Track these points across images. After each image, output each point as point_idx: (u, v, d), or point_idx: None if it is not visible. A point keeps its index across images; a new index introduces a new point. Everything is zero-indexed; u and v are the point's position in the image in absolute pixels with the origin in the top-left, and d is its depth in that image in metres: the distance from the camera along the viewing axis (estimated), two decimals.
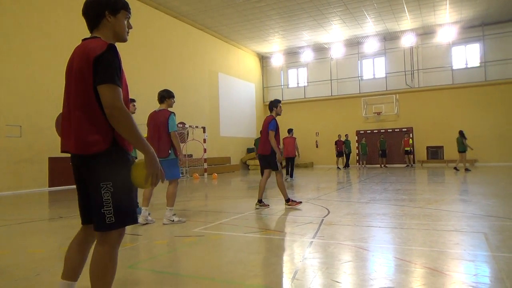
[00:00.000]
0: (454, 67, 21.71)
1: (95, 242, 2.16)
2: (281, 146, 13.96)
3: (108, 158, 2.03)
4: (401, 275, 3.19)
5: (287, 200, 7.04)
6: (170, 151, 5.76)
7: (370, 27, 21.07)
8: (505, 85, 20.07)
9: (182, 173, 17.76)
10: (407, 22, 20.40)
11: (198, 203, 8.53)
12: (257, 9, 18.04)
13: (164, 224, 5.66)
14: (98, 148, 2.00)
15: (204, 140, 17.81)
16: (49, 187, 12.75)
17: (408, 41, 21.98)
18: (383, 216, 6.01)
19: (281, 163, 7.05)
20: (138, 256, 4.15)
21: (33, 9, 12.58)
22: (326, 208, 6.82)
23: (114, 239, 2.08)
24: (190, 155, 18.53)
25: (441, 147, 21.31)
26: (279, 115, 7.16)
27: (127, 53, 16.00)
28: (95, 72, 1.97)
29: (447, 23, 20.59)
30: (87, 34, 2.25)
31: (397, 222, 5.51)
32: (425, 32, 21.77)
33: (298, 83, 26.23)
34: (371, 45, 23.05)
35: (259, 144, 7.21)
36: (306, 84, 25.74)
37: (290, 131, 14.61)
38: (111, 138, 2.03)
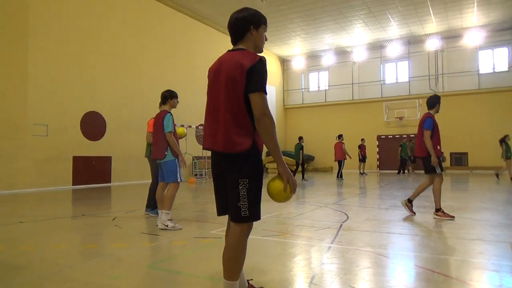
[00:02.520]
0: (481, 72, 21.14)
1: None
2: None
3: (248, 158, 2.29)
4: (422, 283, 3.12)
5: (437, 210, 6.24)
6: (166, 153, 5.51)
7: (393, 30, 20.77)
8: None
9: (199, 175, 17.88)
10: (432, 26, 20.01)
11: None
12: (279, 12, 18.05)
13: (159, 228, 5.39)
14: (242, 148, 2.25)
15: None
16: (72, 185, 13.08)
17: (432, 44, 21.55)
18: (403, 222, 5.89)
19: (441, 167, 6.24)
20: (158, 256, 4.20)
21: (61, 10, 12.97)
22: (345, 213, 6.74)
23: (246, 229, 2.36)
24: (210, 157, 18.62)
25: (466, 154, 20.77)
26: (437, 112, 6.50)
27: (154, 56, 16.30)
28: (248, 81, 2.22)
29: (474, 26, 20.09)
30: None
31: (418, 229, 5.39)
32: (451, 36, 21.29)
33: (319, 87, 26.08)
34: (394, 49, 22.71)
35: (416, 145, 6.47)
36: (327, 87, 25.56)
37: (340, 136, 16.34)
38: (252, 140, 2.28)
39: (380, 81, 23.84)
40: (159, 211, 5.58)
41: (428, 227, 5.45)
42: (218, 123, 2.34)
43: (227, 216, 2.51)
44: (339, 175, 15.97)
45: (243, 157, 2.28)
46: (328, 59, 24.68)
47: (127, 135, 14.85)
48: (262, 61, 2.28)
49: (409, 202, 6.60)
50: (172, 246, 4.54)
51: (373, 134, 23.17)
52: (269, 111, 2.24)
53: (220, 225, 5.70)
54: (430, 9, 17.76)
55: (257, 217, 2.36)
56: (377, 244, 4.52)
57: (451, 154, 21.26)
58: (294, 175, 14.45)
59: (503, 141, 14.91)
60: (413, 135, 22.23)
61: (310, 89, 26.30)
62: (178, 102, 5.93)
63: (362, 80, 24.27)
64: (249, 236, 2.44)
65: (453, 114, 21.21)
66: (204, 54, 19.23)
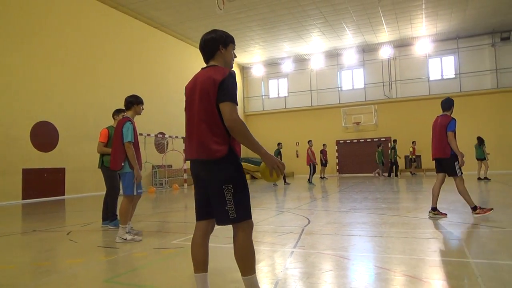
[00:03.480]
0: (431, 78, 22.32)
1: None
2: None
3: (227, 163, 2.46)
4: (381, 283, 3.20)
5: (474, 208, 6.28)
6: (123, 164, 5.21)
7: (349, 39, 21.50)
8: (479, 96, 20.73)
9: (159, 184, 17.49)
10: (385, 35, 20.90)
11: (178, 215, 8.40)
12: (238, 20, 18.17)
13: (116, 242, 5.15)
14: (220, 154, 2.42)
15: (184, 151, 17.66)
16: (22, 199, 12.35)
17: (386, 53, 22.51)
18: (363, 225, 6.04)
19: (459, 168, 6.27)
20: (115, 270, 4.03)
21: (9, 15, 12.31)
22: (307, 218, 6.82)
23: (247, 228, 2.52)
24: (170, 166, 18.31)
25: (419, 157, 21.74)
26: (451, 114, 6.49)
27: (110, 65, 15.83)
28: (219, 93, 2.43)
29: (423, 36, 21.20)
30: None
31: (377, 230, 5.54)
32: (402, 44, 22.34)
33: (278, 94, 26.43)
34: (350, 57, 23.50)
35: (433, 146, 6.50)
36: (286, 94, 25.96)
37: (309, 142, 17.23)
38: (228, 146, 2.46)
39: (338, 87, 24.55)
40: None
41: (386, 229, 5.62)
42: (195, 134, 2.52)
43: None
44: (310, 180, 16.51)
45: (222, 162, 2.45)
46: (287, 67, 25.10)
47: (81, 145, 14.26)
48: (232, 74, 2.50)
49: (434, 210, 6.44)
50: (131, 259, 4.38)
51: (332, 139, 23.75)
52: (238, 116, 2.41)
53: (182, 235, 5.58)
54: (382, 19, 18.57)
55: (247, 217, 2.51)
56: (338, 247, 4.60)
57: (405, 157, 22.18)
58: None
59: (481, 143, 15.86)
60: (370, 139, 23.03)
61: (270, 96, 26.59)
62: (143, 109, 5.55)
63: (320, 87, 24.88)
64: (212, 244, 2.43)
65: (407, 118, 22.20)
66: (162, 62, 18.95)
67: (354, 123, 23.29)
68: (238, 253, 2.52)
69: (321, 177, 20.64)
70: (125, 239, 5.14)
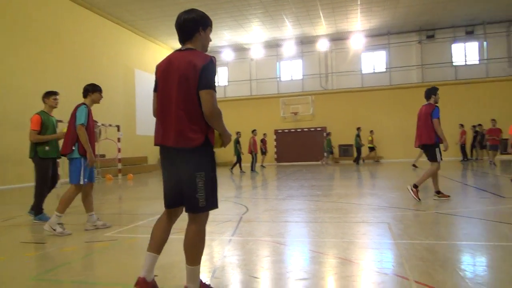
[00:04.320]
0: (364, 72, 23.48)
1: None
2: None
3: (202, 152, 2.45)
4: (315, 266, 3.34)
5: (438, 192, 6.76)
6: (74, 148, 4.97)
7: (288, 30, 21.85)
8: (407, 89, 22.23)
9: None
10: (322, 28, 21.54)
11: (111, 206, 8.07)
12: (178, 5, 17.61)
13: (45, 229, 4.87)
14: (197, 143, 2.40)
15: (118, 139, 16.90)
16: None
17: (323, 45, 23.22)
18: (299, 211, 6.25)
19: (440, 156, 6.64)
20: (44, 266, 3.78)
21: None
22: (245, 206, 6.90)
23: (204, 218, 2.54)
24: (103, 155, 17.47)
25: (351, 146, 22.88)
26: (437, 103, 6.89)
27: (34, 46, 14.56)
28: (200, 79, 2.37)
29: (358, 31, 22.17)
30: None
31: (312, 216, 5.77)
32: (339, 38, 23.19)
33: (218, 82, 26.23)
34: (289, 48, 23.92)
35: (419, 134, 6.83)
36: (226, 83, 25.86)
37: (253, 131, 17.51)
38: (205, 134, 2.44)
39: (277, 78, 24.94)
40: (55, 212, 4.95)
41: (320, 214, 5.87)
42: (171, 120, 2.45)
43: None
44: (252, 168, 17.02)
45: (198, 151, 2.43)
46: (227, 55, 24.95)
47: (1, 134, 13.05)
48: (213, 61, 2.46)
49: (438, 193, 6.78)
50: (60, 254, 4.12)
51: (270, 129, 24.13)
52: (217, 106, 2.44)
53: (116, 227, 5.36)
54: (320, 12, 19.10)
55: (215, 206, 2.53)
56: (275, 233, 4.72)
57: (339, 146, 23.25)
58: (233, 167, 17.12)
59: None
60: (307, 129, 23.78)
61: None
62: (102, 97, 5.36)
63: (260, 77, 25.10)
64: (148, 236, 2.37)
65: (341, 109, 23.20)
66: (94, 46, 17.86)
67: (292, 113, 23.87)
68: (190, 241, 2.49)
69: (261, 166, 20.99)
70: (54, 230, 4.84)
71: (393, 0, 17.95)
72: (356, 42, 22.64)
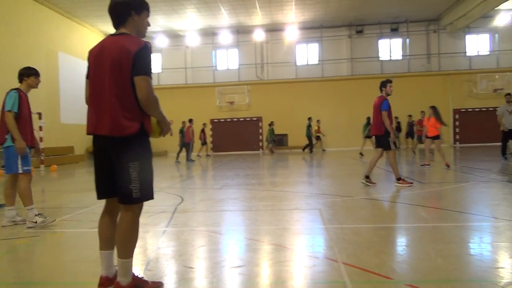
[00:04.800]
0: (298, 63, 24.09)
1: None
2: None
3: (137, 140, 2.36)
4: (250, 254, 3.38)
5: (398, 179, 6.95)
6: (6, 137, 4.63)
7: (224, 19, 21.65)
8: (338, 81, 23.24)
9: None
10: (258, 18, 21.65)
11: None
12: None
13: (28, 227, 4.55)
14: (131, 131, 2.31)
15: (40, 128, 15.63)
16: None
17: (259, 36, 23.37)
18: (234, 200, 6.29)
19: (394, 143, 6.98)
20: None
21: None
22: (180, 196, 6.78)
23: (138, 209, 2.45)
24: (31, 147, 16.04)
25: (286, 135, 23.48)
26: (389, 95, 7.03)
27: None
28: (134, 65, 2.28)
29: (292, 23, 22.62)
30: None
31: (247, 205, 5.84)
32: (274, 29, 23.48)
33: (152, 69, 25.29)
34: (225, 37, 23.73)
35: (373, 124, 7.12)
36: (160, 70, 25.03)
37: (190, 120, 16.99)
38: (140, 123, 2.35)
39: (213, 67, 24.68)
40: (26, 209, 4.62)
41: (255, 203, 5.96)
42: (104, 107, 2.34)
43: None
44: (188, 158, 16.73)
45: (132, 140, 2.34)
46: (161, 41, 24.11)
47: None
48: (148, 46, 2.37)
49: (367, 178, 7.11)
50: None
51: (207, 118, 23.90)
52: (154, 93, 2.35)
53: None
54: (256, 2, 19.16)
55: (150, 197, 2.45)
56: (210, 222, 4.70)
57: (274, 135, 23.72)
58: (177, 157, 16.85)
59: (369, 122, 17.23)
60: (243, 119, 23.92)
61: None
62: (39, 80, 4.95)
63: (195, 65, 24.65)
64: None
65: (276, 100, 23.63)
66: (5, 24, 16.23)
67: (228, 102, 23.84)
68: (123, 233, 2.40)
69: (198, 155, 20.75)
70: (35, 223, 4.56)
71: None
72: (291, 34, 23.10)
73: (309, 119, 20.82)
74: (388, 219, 4.72)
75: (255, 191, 7.24)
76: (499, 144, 12.69)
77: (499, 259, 3.12)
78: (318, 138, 21.62)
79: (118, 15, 2.47)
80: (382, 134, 6.98)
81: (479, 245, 3.54)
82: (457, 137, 22.58)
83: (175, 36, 24.23)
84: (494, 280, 2.61)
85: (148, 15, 2.59)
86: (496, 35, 22.24)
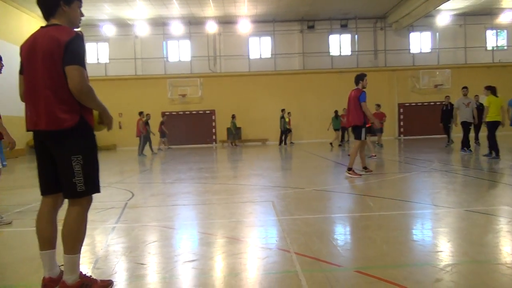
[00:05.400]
0: (251, 57, 24.11)
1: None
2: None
3: (77, 133, 2.30)
4: (204, 247, 3.36)
5: (349, 169, 7.15)
6: None
7: (175, 9, 21.14)
8: (290, 75, 23.58)
9: None
10: (210, 9, 21.36)
11: None
12: None
13: None
14: (69, 124, 2.25)
15: None
16: None
17: (211, 27, 23.08)
18: (187, 194, 6.20)
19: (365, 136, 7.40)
20: None
21: None
22: (130, 191, 6.57)
23: (86, 203, 2.41)
24: None
25: (239, 128, 23.49)
26: (365, 87, 7.38)
27: None
28: (65, 55, 2.21)
29: (245, 16, 22.56)
30: None
31: (200, 198, 5.79)
32: (227, 22, 23.30)
33: (98, 59, 24.18)
34: (177, 28, 23.19)
35: (350, 116, 7.40)
36: (107, 61, 23.99)
37: (140, 113, 16.46)
38: (79, 115, 2.29)
39: (164, 58, 24.05)
40: None
41: (209, 196, 5.92)
42: (39, 101, 2.28)
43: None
44: (140, 152, 16.18)
45: (72, 133, 2.29)
46: (108, 30, 23.08)
47: None
48: (79, 35, 2.31)
49: (349, 170, 7.16)
50: None
51: (157, 111, 23.30)
52: (87, 82, 2.27)
53: None
54: None
55: (95, 190, 2.43)
56: (163, 217, 4.61)
57: (227, 129, 23.61)
58: (142, 152, 16.17)
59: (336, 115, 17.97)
60: (196, 112, 23.61)
61: (87, 61, 24.05)
62: (2, 65, 4.71)
63: (145, 56, 23.89)
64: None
65: (229, 93, 23.53)
66: None
67: (180, 95, 23.39)
68: (69, 228, 2.35)
69: (159, 148, 20.05)
70: None
71: None
72: (244, 27, 23.05)
73: (282, 111, 20.57)
74: (338, 209, 4.89)
75: (208, 184, 7.19)
76: (442, 136, 13.65)
77: (438, 244, 3.33)
78: (289, 130, 21.49)
79: (47, 6, 2.39)
80: (361, 124, 7.32)
81: (421, 231, 3.76)
82: (402, 130, 23.82)
83: (123, 25, 23.31)
84: (434, 263, 2.79)
85: (80, 5, 2.49)
86: (437, 33, 23.63)
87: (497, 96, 9.73)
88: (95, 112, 2.43)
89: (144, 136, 16.29)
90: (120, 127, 23.24)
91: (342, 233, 3.82)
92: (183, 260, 3.02)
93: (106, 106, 2.47)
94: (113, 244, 3.53)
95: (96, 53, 24.17)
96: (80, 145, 2.32)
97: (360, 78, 7.56)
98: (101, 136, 18.47)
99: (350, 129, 8.78)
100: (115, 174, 9.56)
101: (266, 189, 6.44)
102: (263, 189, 6.42)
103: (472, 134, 12.06)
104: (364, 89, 7.45)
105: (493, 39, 24.01)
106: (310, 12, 22.37)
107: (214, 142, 23.65)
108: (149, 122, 16.79)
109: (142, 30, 23.23)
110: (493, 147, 9.27)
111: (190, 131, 23.58)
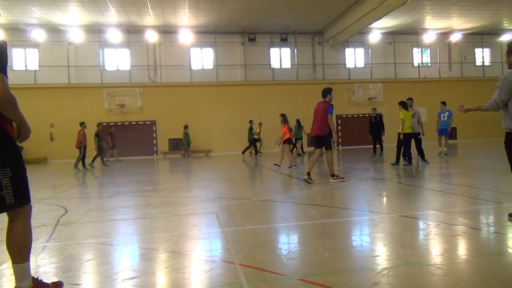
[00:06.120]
0: (193, 67, 23.90)
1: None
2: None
3: (1, 147, 2.23)
4: (145, 263, 3.23)
5: (332, 175, 7.79)
6: None
7: (112, 16, 20.41)
8: (232, 87, 23.68)
9: None
10: (150, 18, 20.91)
11: None
12: None
13: None
14: None
15: None
16: None
17: (151, 37, 22.57)
18: (127, 208, 5.94)
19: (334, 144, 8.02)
20: None
21: None
22: (63, 207, 6.15)
23: (26, 213, 2.39)
24: None
25: (181, 140, 23.08)
26: (331, 101, 7.94)
27: None
28: None
29: (186, 26, 22.38)
30: None
31: (141, 212, 5.57)
32: (167, 31, 22.93)
33: (26, 66, 22.54)
34: (114, 35, 22.36)
35: (315, 126, 7.86)
36: (37, 68, 22.45)
37: (82, 124, 15.60)
38: (1, 126, 2.22)
39: (100, 66, 23.04)
40: None
41: (150, 210, 5.71)
42: None
43: None
44: (76, 165, 15.53)
45: None
46: (38, 35, 21.63)
47: None
48: (1, 44, 2.27)
49: (308, 175, 7.64)
50: None
51: (94, 121, 22.17)
52: (10, 91, 2.21)
53: None
54: (148, 2, 18.49)
55: (26, 202, 2.38)
56: (100, 234, 4.36)
57: (169, 140, 23.13)
58: (93, 161, 15.99)
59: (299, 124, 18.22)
60: (135, 122, 22.83)
61: (14, 68, 22.27)
62: None
63: (80, 64, 22.71)
64: None
65: (170, 103, 23.05)
66: None
67: (118, 105, 22.50)
68: (16, 240, 2.34)
69: (107, 160, 18.89)
70: None
71: (219, 1, 18.80)
72: (185, 37, 22.84)
73: (250, 122, 20.58)
74: (281, 218, 4.96)
75: (149, 197, 6.95)
76: (377, 146, 14.42)
77: (375, 249, 3.50)
78: (258, 140, 21.29)
79: None
80: (325, 134, 7.78)
81: (360, 237, 3.93)
82: (340, 140, 24.90)
83: (55, 31, 21.99)
84: (372, 268, 2.92)
85: None
86: (370, 49, 25.17)
87: (408, 111, 10.77)
88: (14, 124, 2.36)
89: (84, 147, 15.46)
90: (51, 139, 21.81)
91: (285, 242, 3.87)
92: (122, 277, 2.88)
93: (25, 121, 2.41)
94: (44, 265, 3.27)
95: (24, 60, 22.52)
96: (4, 157, 2.26)
97: (328, 92, 8.05)
98: (29, 147, 17.18)
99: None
100: (46, 189, 8.90)
101: (210, 200, 6.37)
102: (206, 201, 6.33)
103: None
104: (331, 102, 7.97)
105: (418, 57, 26.08)
106: (251, 25, 22.77)
107: (155, 154, 22.97)
108: (100, 133, 16.25)
109: (76, 36, 22.09)
110: (407, 155, 10.56)
111: (129, 142, 22.68)
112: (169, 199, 6.60)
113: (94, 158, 16.33)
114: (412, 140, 10.89)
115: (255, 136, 20.88)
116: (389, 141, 16.78)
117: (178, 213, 5.34)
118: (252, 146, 20.58)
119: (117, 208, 5.99)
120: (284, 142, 11.50)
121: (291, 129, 11.33)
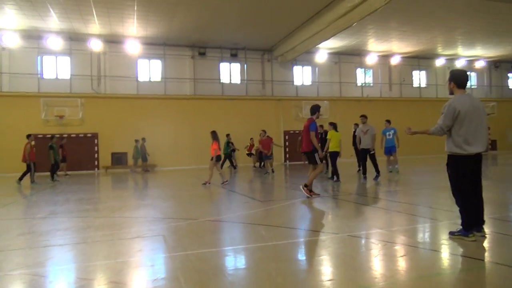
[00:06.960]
0: (140, 79, 23.17)
1: None
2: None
3: None
4: None
5: (306, 185, 8.03)
6: None
7: (53, 22, 19.31)
8: (180, 100, 23.25)
9: None
10: (95, 27, 20.05)
11: None
12: None
13: None
14: None
15: None
16: None
17: (96, 45, 21.63)
18: (64, 231, 5.46)
19: (321, 159, 8.11)
20: None
21: None
22: None
23: None
24: None
25: (125, 154, 22.16)
26: (318, 118, 8.20)
27: None
28: None
29: (134, 36, 21.72)
30: None
31: (81, 236, 5.14)
32: (113, 41, 22.10)
33: None
34: (55, 42, 21.13)
35: (303, 143, 8.14)
36: None
37: (28, 136, 14.51)
38: None
39: (37, 74, 21.60)
40: None
41: (90, 233, 5.29)
42: None
43: None
44: (21, 178, 14.36)
45: None
46: None
47: None
48: None
49: (305, 187, 7.99)
50: None
51: (28, 132, 20.64)
52: None
53: None
54: (93, 9, 17.73)
55: None
56: (32, 263, 3.93)
57: (112, 154, 22.09)
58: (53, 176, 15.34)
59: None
60: (75, 135, 21.57)
61: None
62: None
63: (15, 71, 21.14)
64: None
65: (114, 115, 22.11)
66: None
67: (57, 116, 21.15)
68: None
69: (66, 174, 17.87)
70: None
71: (169, 13, 18.51)
72: (132, 47, 22.16)
73: (227, 135, 20.02)
74: (232, 241, 4.81)
75: (89, 218, 6.47)
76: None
77: (328, 272, 3.46)
78: (250, 155, 21.23)
79: None
80: (310, 150, 8.02)
81: (312, 260, 3.88)
82: (287, 156, 25.27)
83: None
84: None
85: None
86: (316, 68, 26.05)
87: (337, 131, 11.58)
88: None
89: (34, 163, 14.36)
90: None
91: (238, 268, 3.73)
92: None
93: None
94: None
95: None
96: None
97: (316, 109, 8.28)
98: None
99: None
100: None
101: (157, 221, 6.06)
102: (153, 222, 6.02)
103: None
104: (316, 119, 8.20)
105: (361, 77, 27.42)
106: (201, 39, 22.65)
107: (96, 168, 21.79)
108: (55, 145, 15.67)
109: (11, 41, 20.59)
110: (335, 172, 11.34)
111: (68, 156, 21.33)
112: (112, 220, 6.19)
113: (52, 173, 15.64)
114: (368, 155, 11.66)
115: (247, 152, 21.20)
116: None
117: (121, 237, 4.99)
118: (227, 159, 20.19)
119: (52, 231, 5.49)
120: (213, 158, 11.47)
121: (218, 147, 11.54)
